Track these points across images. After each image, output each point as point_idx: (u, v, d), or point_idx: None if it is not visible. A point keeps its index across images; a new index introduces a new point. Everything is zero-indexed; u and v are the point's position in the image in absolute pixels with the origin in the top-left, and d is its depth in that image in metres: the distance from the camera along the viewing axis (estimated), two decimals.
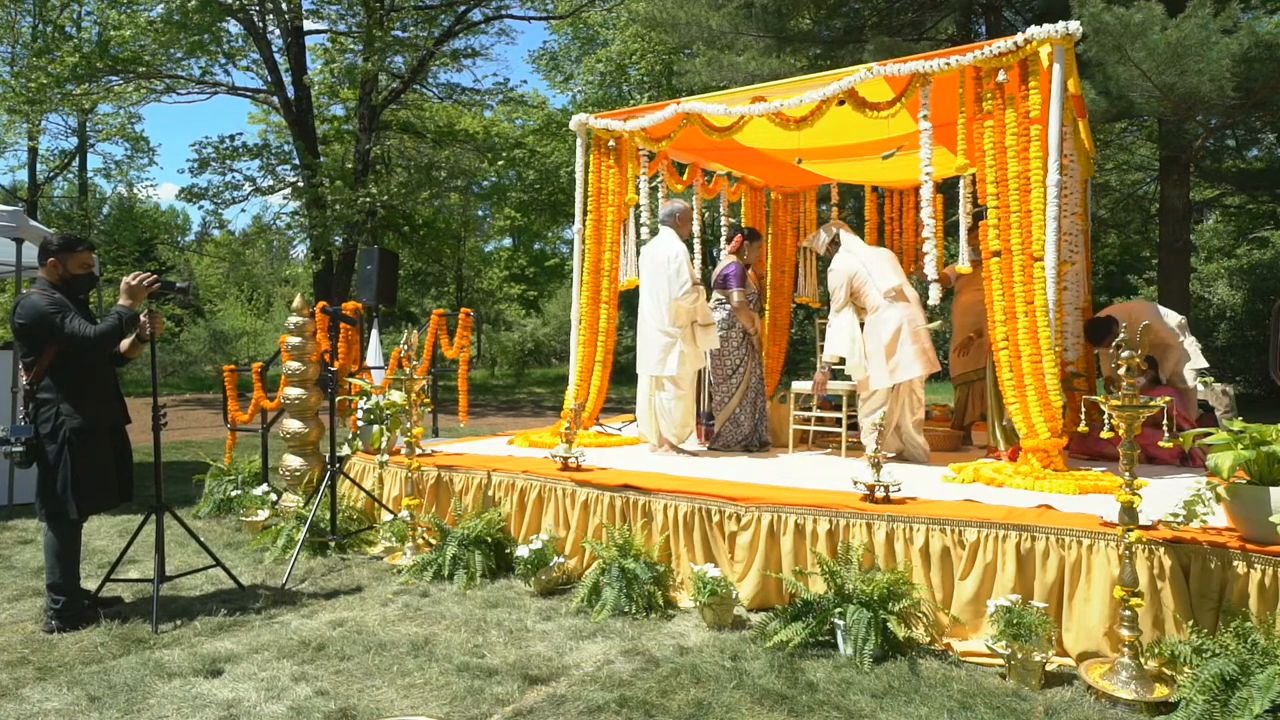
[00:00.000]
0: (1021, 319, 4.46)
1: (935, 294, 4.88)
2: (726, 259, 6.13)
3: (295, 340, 5.81)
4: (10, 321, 3.89)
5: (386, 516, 5.49)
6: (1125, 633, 3.03)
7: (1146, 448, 5.09)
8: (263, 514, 5.71)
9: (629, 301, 8.16)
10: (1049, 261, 4.40)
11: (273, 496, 5.95)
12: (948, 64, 4.63)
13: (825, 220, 8.93)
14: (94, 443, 3.85)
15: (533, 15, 21.84)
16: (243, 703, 3.02)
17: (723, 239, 7.18)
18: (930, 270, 4.78)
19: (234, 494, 6.30)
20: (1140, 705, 2.90)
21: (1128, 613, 3.03)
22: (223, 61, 19.18)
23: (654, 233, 6.04)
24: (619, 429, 7.16)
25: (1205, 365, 5.69)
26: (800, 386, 6.04)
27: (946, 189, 6.91)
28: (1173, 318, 5.79)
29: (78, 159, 27.32)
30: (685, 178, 7.19)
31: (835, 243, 5.80)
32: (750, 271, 6.21)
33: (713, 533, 4.20)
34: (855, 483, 4.04)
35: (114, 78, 17.79)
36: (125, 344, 4.02)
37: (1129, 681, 2.97)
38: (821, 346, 6.08)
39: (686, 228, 5.95)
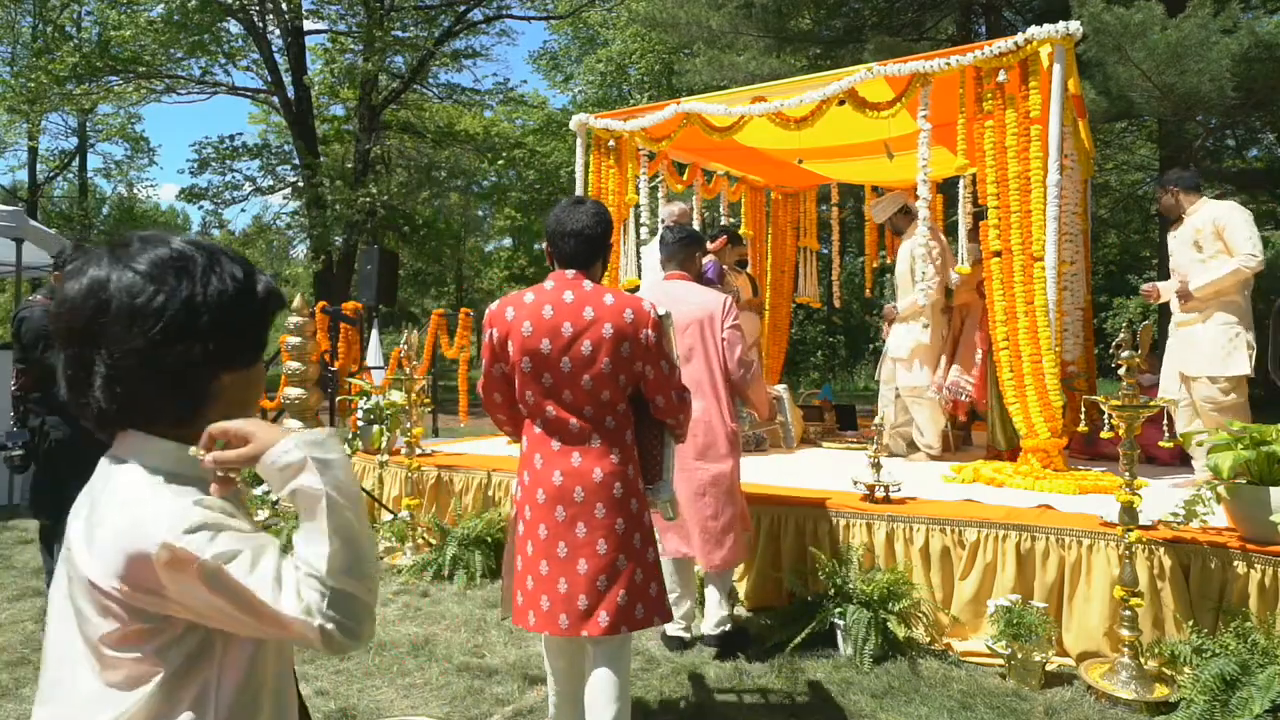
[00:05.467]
0: (1022, 319, 4.46)
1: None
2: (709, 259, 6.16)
3: (295, 340, 5.81)
4: (12, 329, 3.85)
5: (386, 516, 5.48)
6: (1125, 633, 3.03)
7: (1146, 448, 5.09)
8: (263, 514, 5.71)
9: None
10: (1049, 261, 4.39)
11: (273, 496, 5.95)
12: (948, 64, 4.63)
13: (826, 220, 8.92)
14: (83, 454, 3.80)
15: (533, 15, 21.86)
16: None
17: None
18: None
19: None
20: (1140, 705, 2.91)
21: (1128, 613, 3.03)
22: (223, 61, 19.18)
23: (654, 233, 6.03)
24: None
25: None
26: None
27: (946, 189, 6.89)
28: None
29: (78, 159, 27.28)
30: (685, 178, 7.19)
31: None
32: (744, 272, 6.21)
33: None
34: (855, 483, 4.04)
35: (114, 78, 17.78)
36: None
37: (1129, 681, 2.97)
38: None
39: None
